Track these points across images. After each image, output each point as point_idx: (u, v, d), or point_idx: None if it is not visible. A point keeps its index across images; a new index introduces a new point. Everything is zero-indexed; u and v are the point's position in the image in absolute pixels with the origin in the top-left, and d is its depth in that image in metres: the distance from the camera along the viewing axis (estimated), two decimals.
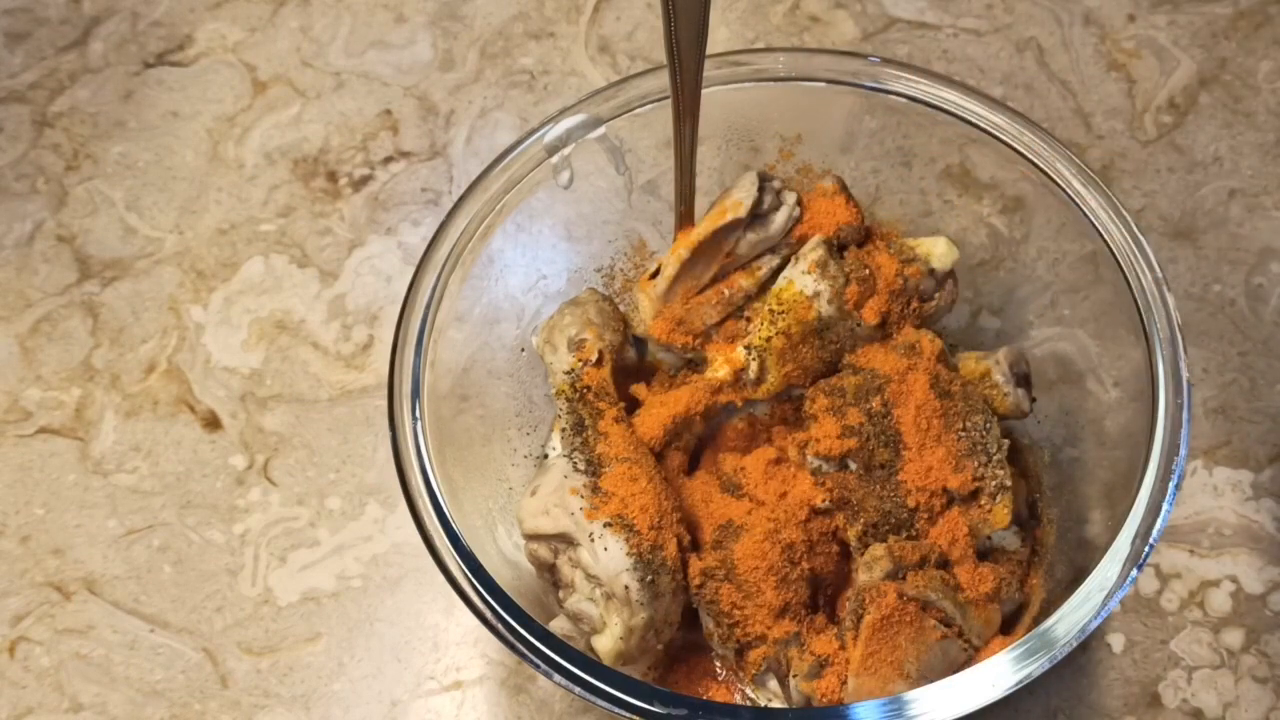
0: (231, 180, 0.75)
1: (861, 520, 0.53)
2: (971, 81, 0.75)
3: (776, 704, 0.52)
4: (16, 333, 0.71)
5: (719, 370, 0.57)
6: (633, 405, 0.58)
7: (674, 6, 0.49)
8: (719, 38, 0.78)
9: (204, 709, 0.60)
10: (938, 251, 0.57)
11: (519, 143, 0.57)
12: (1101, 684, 0.60)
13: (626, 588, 0.49)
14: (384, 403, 0.54)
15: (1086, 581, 0.47)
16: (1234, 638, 0.60)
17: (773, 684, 0.52)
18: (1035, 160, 0.56)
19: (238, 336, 0.70)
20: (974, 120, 0.57)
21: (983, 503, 0.52)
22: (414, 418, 0.52)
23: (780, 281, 0.56)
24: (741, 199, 0.56)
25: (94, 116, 0.77)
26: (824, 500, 0.53)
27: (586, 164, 0.59)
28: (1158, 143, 0.74)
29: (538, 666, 0.46)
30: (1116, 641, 0.60)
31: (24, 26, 0.81)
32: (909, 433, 0.52)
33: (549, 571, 0.52)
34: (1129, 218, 0.54)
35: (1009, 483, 0.52)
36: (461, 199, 0.56)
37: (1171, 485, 0.48)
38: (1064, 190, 0.55)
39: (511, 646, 0.47)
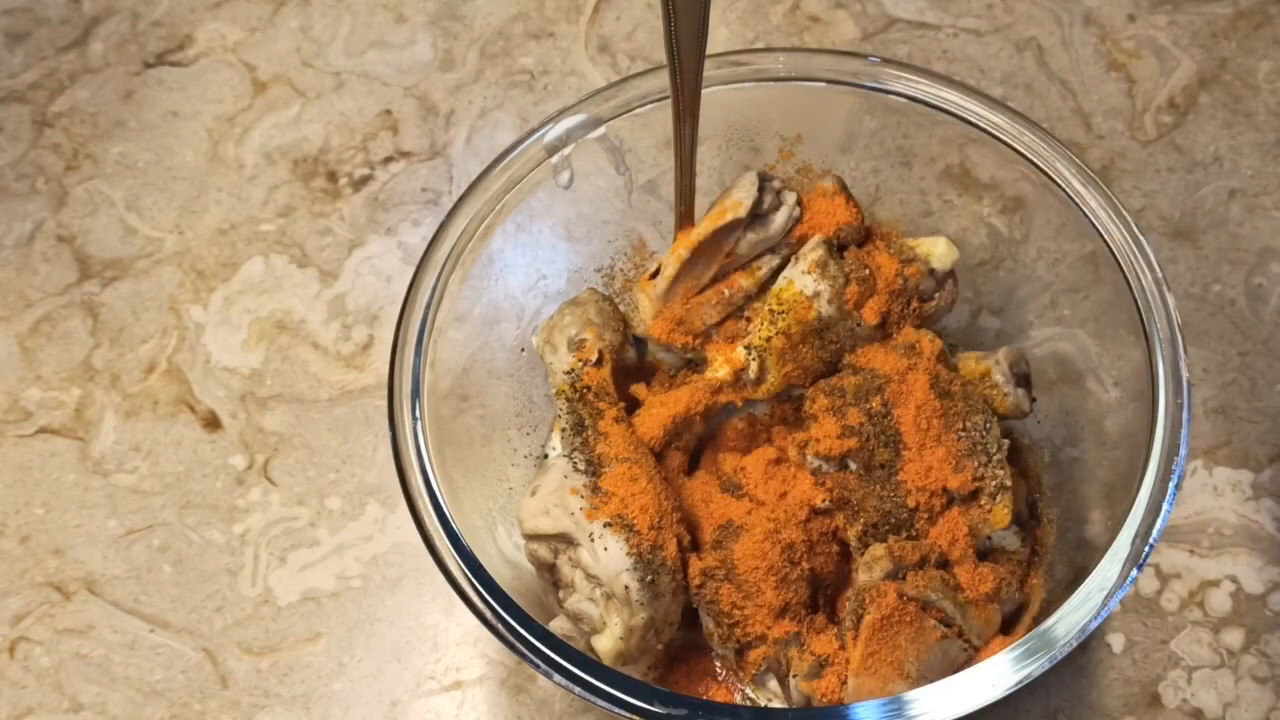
0: (231, 180, 0.75)
1: (861, 520, 0.53)
2: (971, 81, 0.75)
3: (776, 704, 0.52)
4: (16, 333, 0.71)
5: (719, 370, 0.57)
6: (633, 405, 0.58)
7: (674, 6, 0.49)
8: (719, 38, 0.78)
9: (204, 709, 0.60)
10: (938, 251, 0.57)
11: (519, 143, 0.57)
12: (1101, 684, 0.60)
13: (626, 588, 0.49)
14: (384, 403, 0.54)
15: (1086, 581, 0.47)
16: (1234, 638, 0.60)
17: (773, 684, 0.52)
18: (1035, 160, 0.56)
19: (238, 336, 0.70)
20: (974, 120, 0.57)
21: (983, 503, 0.52)
22: (414, 418, 0.52)
23: (780, 281, 0.56)
24: (741, 199, 0.56)
25: (94, 116, 0.77)
26: (824, 500, 0.53)
27: (586, 164, 0.59)
28: (1158, 143, 0.74)
29: (538, 666, 0.46)
30: (1116, 641, 0.60)
31: (24, 26, 0.81)
32: (909, 433, 0.52)
33: (549, 571, 0.52)
34: (1129, 218, 0.54)
35: (1009, 483, 0.52)
36: (461, 199, 0.56)
37: (1171, 485, 0.48)
38: (1064, 190, 0.55)
39: (511, 646, 0.47)
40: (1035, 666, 0.45)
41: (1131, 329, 0.52)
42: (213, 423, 0.68)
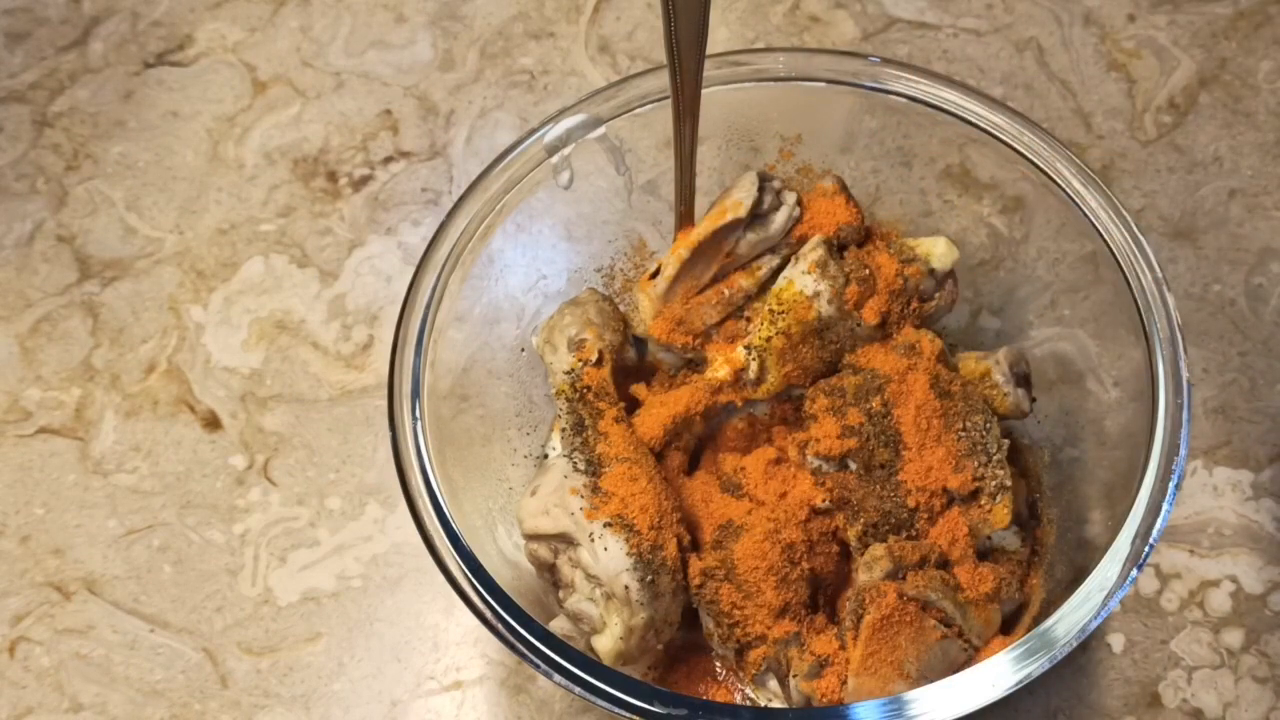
0: (231, 180, 0.75)
1: (861, 520, 0.53)
2: (971, 81, 0.75)
3: (776, 704, 0.52)
4: (16, 333, 0.71)
5: (719, 370, 0.57)
6: (633, 405, 0.58)
7: (674, 6, 0.49)
8: (719, 38, 0.78)
9: (204, 709, 0.60)
10: (938, 251, 0.57)
11: (519, 143, 0.57)
12: (1101, 684, 0.60)
13: (626, 588, 0.49)
14: (384, 403, 0.54)
15: (1086, 581, 0.47)
16: (1234, 638, 0.60)
17: (773, 684, 0.52)
18: (1035, 160, 0.56)
19: (238, 336, 0.70)
20: (974, 120, 0.57)
21: (983, 503, 0.52)
22: (414, 418, 0.52)
23: (780, 281, 0.56)
24: (741, 199, 0.56)
25: (94, 116, 0.77)
26: (824, 500, 0.53)
27: (586, 164, 0.59)
28: (1158, 143, 0.74)
29: (538, 666, 0.46)
30: (1116, 641, 0.60)
31: (24, 26, 0.81)
32: (909, 433, 0.52)
33: (549, 571, 0.52)
34: (1129, 218, 0.54)
35: (1009, 483, 0.52)
36: (461, 199, 0.56)
37: (1171, 485, 0.48)
38: (1064, 190, 0.55)
39: (511, 646, 0.47)
40: (1035, 666, 0.45)
41: (1131, 329, 0.52)
42: (213, 423, 0.68)
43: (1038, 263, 0.59)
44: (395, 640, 0.62)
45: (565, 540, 0.51)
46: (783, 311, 0.55)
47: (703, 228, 0.56)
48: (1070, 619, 0.46)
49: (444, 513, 0.50)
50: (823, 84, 0.58)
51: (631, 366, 0.59)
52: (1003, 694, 0.45)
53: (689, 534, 0.53)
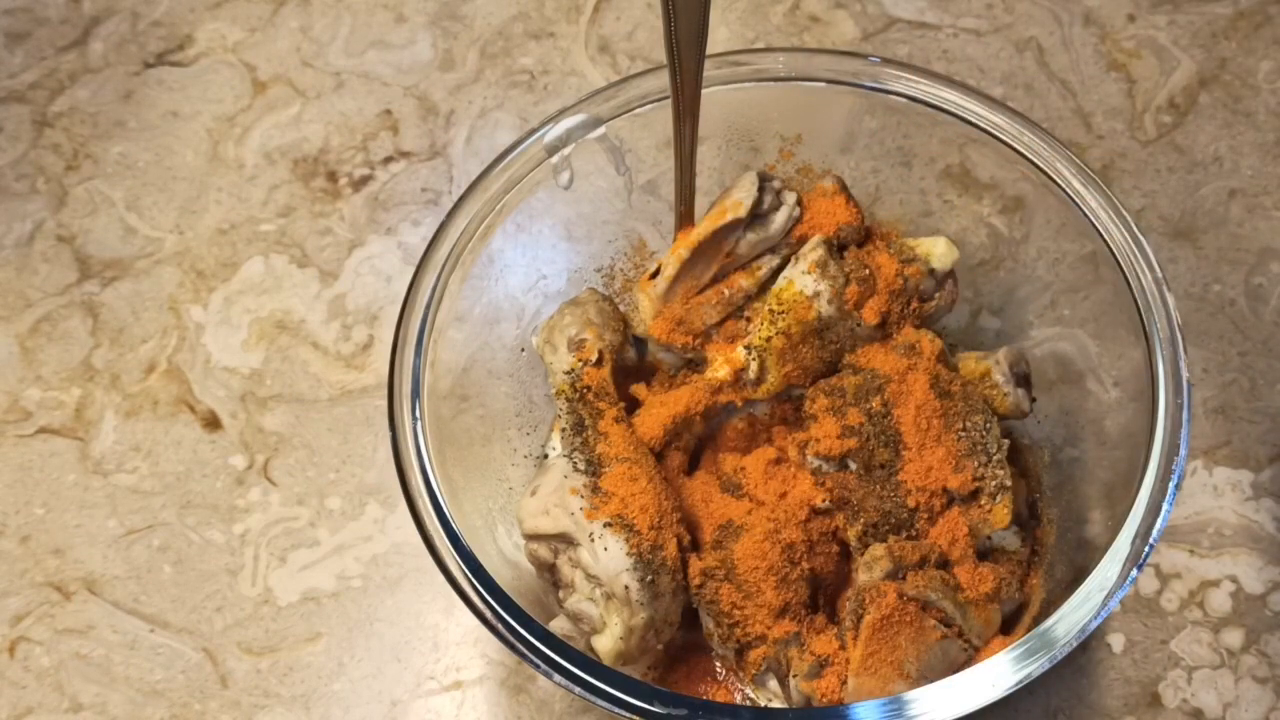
0: (231, 180, 0.75)
1: (861, 520, 0.53)
2: (971, 81, 0.75)
3: (776, 704, 0.52)
4: (16, 333, 0.71)
5: (719, 370, 0.57)
6: (633, 405, 0.58)
7: (674, 6, 0.49)
8: (719, 38, 0.78)
9: (204, 709, 0.60)
10: (938, 251, 0.57)
11: (519, 143, 0.57)
12: (1101, 684, 0.60)
13: (626, 588, 0.49)
14: (384, 403, 0.54)
15: (1086, 581, 0.47)
16: (1234, 638, 0.60)
17: (773, 684, 0.52)
18: (1035, 160, 0.56)
19: (238, 336, 0.70)
20: (974, 120, 0.57)
21: (983, 503, 0.52)
22: (414, 418, 0.52)
23: (780, 281, 0.56)
24: (741, 199, 0.56)
25: (94, 116, 0.77)
26: (824, 500, 0.53)
27: (586, 164, 0.59)
28: (1158, 143, 0.74)
29: (538, 666, 0.46)
30: (1116, 641, 0.60)
31: (24, 26, 0.81)
32: (909, 433, 0.52)
33: (549, 571, 0.52)
34: (1129, 218, 0.54)
35: (1009, 483, 0.52)
36: (461, 199, 0.56)
37: (1171, 485, 0.48)
38: (1064, 190, 0.55)
39: (511, 646, 0.47)
40: (1035, 666, 0.45)
41: (1131, 329, 0.52)
42: (213, 423, 0.68)
43: (1038, 263, 0.59)
44: (395, 640, 0.62)
45: (565, 540, 0.51)
46: (783, 311, 0.55)
47: (703, 228, 0.56)
48: (1070, 619, 0.46)
49: (444, 513, 0.50)
50: (823, 84, 0.58)
51: (631, 366, 0.59)
52: (1003, 694, 0.45)
53: (689, 534, 0.53)
